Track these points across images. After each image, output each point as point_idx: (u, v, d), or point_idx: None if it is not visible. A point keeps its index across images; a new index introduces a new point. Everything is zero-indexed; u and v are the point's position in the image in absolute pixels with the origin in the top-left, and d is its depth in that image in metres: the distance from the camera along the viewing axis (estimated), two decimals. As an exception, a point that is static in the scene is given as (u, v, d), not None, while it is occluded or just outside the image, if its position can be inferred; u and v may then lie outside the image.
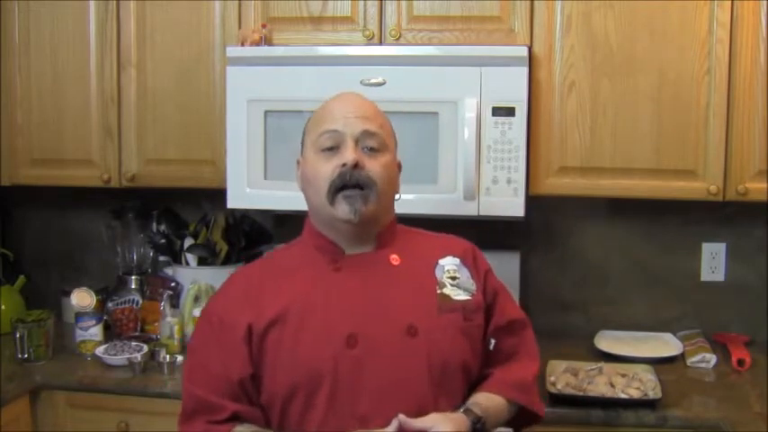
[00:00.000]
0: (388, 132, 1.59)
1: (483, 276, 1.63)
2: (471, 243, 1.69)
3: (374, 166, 1.51)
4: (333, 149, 1.51)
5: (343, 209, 1.49)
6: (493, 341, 1.61)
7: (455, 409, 1.50)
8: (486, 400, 1.53)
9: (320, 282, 1.53)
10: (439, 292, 1.55)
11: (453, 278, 1.58)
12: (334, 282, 1.53)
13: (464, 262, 1.61)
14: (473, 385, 1.58)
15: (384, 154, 1.54)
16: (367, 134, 1.52)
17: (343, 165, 1.49)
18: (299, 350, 1.47)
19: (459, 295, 1.56)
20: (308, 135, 1.58)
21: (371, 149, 1.52)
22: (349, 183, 1.48)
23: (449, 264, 1.59)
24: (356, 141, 1.51)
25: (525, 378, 1.62)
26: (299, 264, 1.58)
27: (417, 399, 1.46)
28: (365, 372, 1.46)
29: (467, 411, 1.48)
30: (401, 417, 1.40)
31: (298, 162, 1.63)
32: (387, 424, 1.42)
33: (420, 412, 1.44)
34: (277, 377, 1.48)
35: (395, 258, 1.57)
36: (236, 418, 1.50)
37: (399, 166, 1.63)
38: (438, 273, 1.58)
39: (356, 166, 1.48)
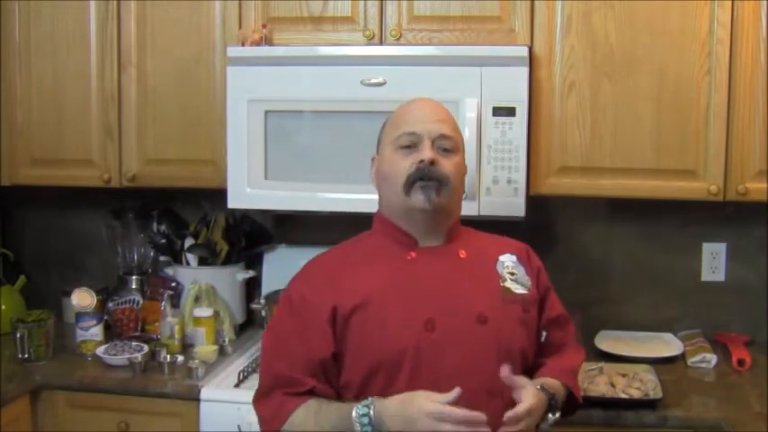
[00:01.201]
0: (460, 136, 1.72)
1: (536, 273, 1.76)
2: (525, 243, 1.81)
3: (448, 165, 1.63)
4: (410, 147, 1.64)
5: (418, 197, 1.61)
6: (544, 333, 1.75)
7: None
8: (551, 382, 1.65)
9: (398, 270, 1.64)
10: (502, 284, 1.68)
11: (512, 273, 1.71)
12: (411, 270, 1.64)
13: (520, 259, 1.74)
14: (527, 373, 1.66)
15: (456, 155, 1.67)
16: (443, 137, 1.65)
17: (421, 161, 1.61)
18: (384, 332, 1.57)
19: (518, 289, 1.69)
20: (385, 135, 1.71)
21: (445, 150, 1.65)
22: (426, 176, 1.60)
23: (508, 260, 1.73)
24: (432, 142, 1.63)
25: (575, 366, 1.78)
26: (375, 252, 1.68)
27: (487, 380, 1.56)
28: (443, 354, 1.56)
29: (542, 389, 1.59)
30: (506, 369, 1.51)
31: (373, 159, 1.75)
32: (461, 403, 1.48)
33: (490, 392, 1.56)
34: (361, 357, 1.58)
35: (462, 252, 1.69)
36: (312, 393, 1.58)
37: (466, 169, 1.74)
38: (499, 268, 1.71)
39: (432, 163, 1.61)
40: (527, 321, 1.68)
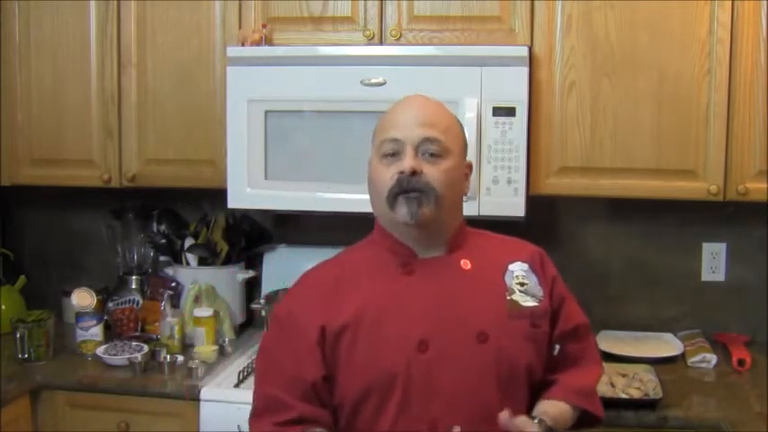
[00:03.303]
0: (454, 135, 1.59)
1: (551, 282, 1.64)
2: (539, 247, 1.70)
3: (433, 172, 1.52)
4: (394, 156, 1.54)
5: (401, 211, 1.52)
6: (558, 346, 1.63)
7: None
8: (554, 408, 1.56)
9: (393, 285, 1.55)
10: (508, 298, 1.57)
11: (522, 284, 1.59)
12: (407, 286, 1.55)
13: (532, 267, 1.63)
14: (537, 390, 1.59)
15: (446, 159, 1.54)
16: (427, 141, 1.53)
17: (401, 172, 1.51)
18: (374, 354, 1.49)
19: (528, 302, 1.58)
20: (374, 139, 1.62)
21: (432, 155, 1.53)
22: (407, 188, 1.51)
23: (518, 269, 1.61)
24: (416, 149, 1.53)
25: (590, 384, 1.66)
26: (371, 266, 1.60)
27: (485, 403, 1.49)
28: (436, 376, 1.48)
29: (540, 422, 1.49)
30: (505, 414, 1.42)
31: (369, 163, 1.64)
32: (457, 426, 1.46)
33: (487, 416, 1.47)
34: (351, 379, 1.50)
35: (465, 263, 1.59)
36: (302, 421, 1.50)
37: (470, 167, 1.64)
38: (507, 278, 1.59)
39: (414, 173, 1.50)
40: (536, 337, 1.57)
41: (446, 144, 1.55)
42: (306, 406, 1.50)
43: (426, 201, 1.51)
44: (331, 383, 1.52)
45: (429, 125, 1.55)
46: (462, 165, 1.61)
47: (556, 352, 1.63)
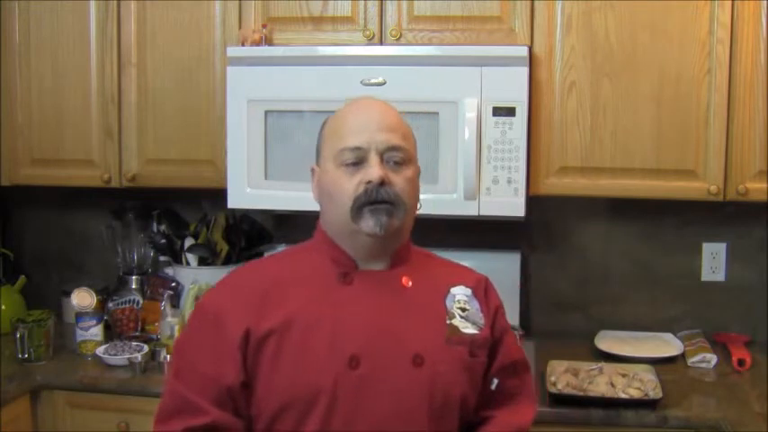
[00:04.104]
0: (411, 142, 1.52)
1: (494, 313, 1.56)
2: (484, 275, 1.62)
3: (400, 182, 1.45)
4: (356, 164, 1.45)
5: (368, 223, 1.43)
6: (496, 381, 1.55)
7: None
8: None
9: (329, 295, 1.46)
10: (448, 322, 1.49)
11: (463, 309, 1.52)
12: (344, 296, 1.46)
13: (475, 293, 1.55)
14: (469, 426, 1.52)
15: (409, 167, 1.48)
16: (393, 148, 1.46)
17: (369, 182, 1.43)
18: (299, 365, 1.40)
19: (468, 328, 1.50)
20: (325, 144, 1.51)
21: (396, 163, 1.46)
22: (376, 200, 1.43)
23: (460, 294, 1.53)
24: (381, 156, 1.45)
25: (526, 423, 1.57)
26: (308, 271, 1.51)
27: (415, 429, 1.41)
28: (365, 397, 1.39)
29: None
30: None
31: (313, 170, 1.56)
32: None
33: None
34: (271, 390, 1.40)
35: (406, 280, 1.51)
36: (215, 429, 1.41)
37: (418, 180, 1.57)
38: (449, 302, 1.51)
39: (383, 182, 1.43)
40: (473, 367, 1.49)
41: (408, 152, 1.49)
42: (220, 412, 1.40)
43: (396, 212, 1.44)
44: (249, 392, 1.42)
45: (392, 130, 1.46)
46: (418, 172, 1.54)
47: (494, 386, 1.54)
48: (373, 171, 1.43)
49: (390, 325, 1.45)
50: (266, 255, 2.70)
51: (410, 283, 1.50)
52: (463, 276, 1.58)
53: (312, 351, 1.40)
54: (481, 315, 1.53)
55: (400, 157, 1.46)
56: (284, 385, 1.39)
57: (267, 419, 1.41)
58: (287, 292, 1.47)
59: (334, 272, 1.49)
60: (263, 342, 1.41)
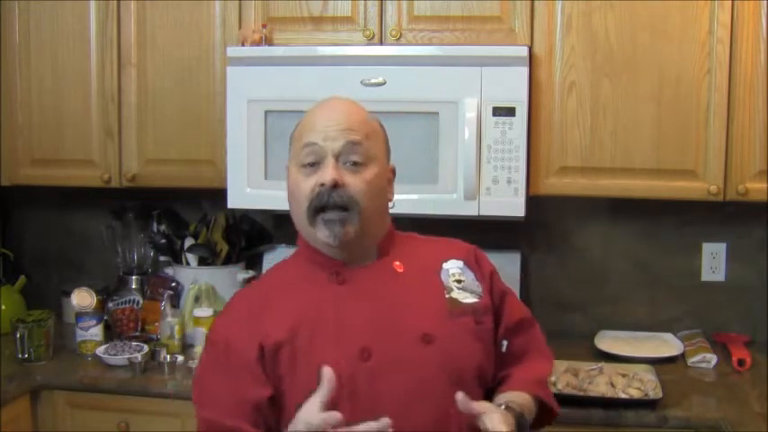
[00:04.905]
0: (378, 140, 1.51)
1: (489, 278, 1.58)
2: (472, 245, 1.63)
3: (356, 183, 1.44)
4: (314, 165, 1.46)
5: (323, 232, 1.45)
6: (505, 342, 1.57)
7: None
8: (518, 398, 1.48)
9: (325, 297, 1.48)
10: (447, 296, 1.51)
11: (459, 281, 1.53)
12: (341, 295, 1.48)
13: (467, 264, 1.57)
14: (490, 389, 1.54)
15: (369, 167, 1.47)
16: (349, 147, 1.45)
17: (322, 185, 1.43)
18: (315, 369, 1.40)
19: (467, 298, 1.52)
20: (292, 144, 1.53)
21: (354, 164, 1.45)
22: (328, 204, 1.43)
23: (453, 267, 1.55)
24: (337, 157, 1.44)
25: (543, 375, 1.60)
26: (300, 280, 1.52)
27: (438, 406, 1.42)
28: (383, 384, 1.41)
29: (508, 408, 1.42)
30: (460, 395, 1.35)
31: (287, 170, 1.55)
32: None
33: (442, 419, 1.42)
34: (294, 400, 1.41)
35: (398, 265, 1.52)
36: None
37: (393, 172, 1.57)
38: (443, 277, 1.53)
39: (335, 185, 1.42)
40: (481, 334, 1.51)
41: (369, 150, 1.47)
42: (251, 428, 1.42)
43: (350, 219, 1.44)
44: (277, 404, 1.44)
45: (351, 130, 1.46)
46: (386, 171, 1.53)
47: (504, 348, 1.57)
48: (326, 173, 1.43)
49: (392, 311, 1.47)
50: (266, 255, 2.72)
51: (402, 268, 1.52)
52: (452, 250, 1.59)
53: (323, 353, 1.42)
54: (478, 283, 1.55)
55: (359, 156, 1.46)
56: (306, 390, 1.39)
57: None
58: (284, 304, 1.49)
59: (324, 274, 1.50)
60: (277, 354, 1.43)
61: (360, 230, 1.46)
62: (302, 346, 1.43)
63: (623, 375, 2.12)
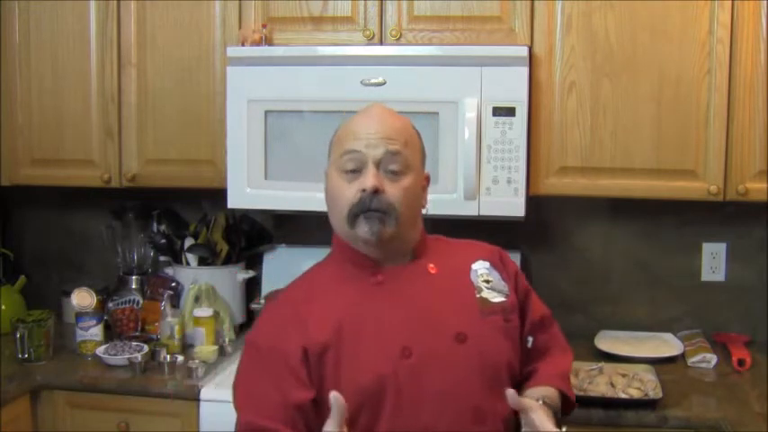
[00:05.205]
0: (415, 149, 1.58)
1: (514, 277, 1.66)
2: (497, 246, 1.70)
3: (395, 191, 1.51)
4: (355, 172, 1.52)
5: (362, 229, 1.51)
6: (531, 339, 1.65)
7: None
8: (548, 392, 1.57)
9: (366, 296, 1.54)
10: (478, 296, 1.58)
11: (487, 281, 1.61)
12: (379, 295, 1.54)
13: (493, 264, 1.64)
14: (517, 384, 1.59)
15: (407, 175, 1.53)
16: (389, 156, 1.51)
17: (363, 190, 1.50)
18: (359, 367, 1.47)
19: (496, 297, 1.59)
20: (332, 150, 1.59)
21: (393, 173, 1.52)
22: (369, 208, 1.50)
23: (481, 268, 1.62)
24: (378, 164, 1.51)
25: (566, 369, 1.69)
26: (339, 281, 1.58)
27: (474, 402, 1.49)
28: (423, 380, 1.47)
29: (544, 404, 1.50)
30: (511, 392, 1.43)
31: (326, 174, 1.61)
32: (449, 429, 1.46)
33: (478, 414, 1.49)
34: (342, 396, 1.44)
35: (432, 267, 1.59)
36: None
37: (428, 179, 1.64)
38: (473, 277, 1.60)
39: (376, 191, 1.49)
40: (509, 331, 1.59)
41: (407, 159, 1.53)
42: (289, 429, 1.45)
43: (388, 220, 1.50)
44: (320, 405, 1.46)
45: (391, 138, 1.52)
46: (421, 178, 1.60)
47: (529, 344, 1.64)
48: (368, 180, 1.49)
49: (428, 311, 1.53)
50: (266, 255, 2.72)
51: (435, 270, 1.59)
52: (479, 251, 1.67)
53: (366, 352, 1.48)
54: (504, 283, 1.62)
55: (397, 165, 1.52)
56: (351, 390, 1.43)
57: (347, 423, 1.44)
58: (325, 305, 1.54)
59: (362, 275, 1.57)
60: (323, 356, 1.48)
61: (396, 233, 1.53)
62: (347, 347, 1.48)
63: (623, 375, 2.13)
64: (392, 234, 1.52)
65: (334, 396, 1.34)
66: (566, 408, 1.64)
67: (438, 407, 1.47)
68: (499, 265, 1.65)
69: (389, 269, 1.57)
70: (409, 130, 1.59)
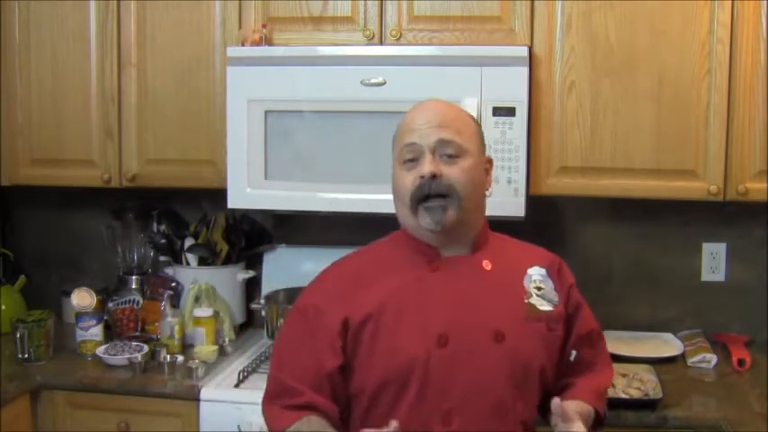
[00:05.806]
0: (470, 135, 1.61)
1: (567, 290, 1.68)
2: (558, 256, 1.73)
3: (453, 173, 1.55)
4: (413, 161, 1.57)
5: (425, 220, 1.56)
6: (574, 352, 1.68)
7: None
8: (580, 407, 1.59)
9: (416, 280, 1.58)
10: (526, 301, 1.61)
11: (539, 288, 1.63)
12: (430, 281, 1.58)
13: (549, 273, 1.66)
14: (550, 393, 1.60)
15: (464, 158, 1.57)
16: (442, 143, 1.56)
17: (422, 177, 1.54)
18: (394, 345, 1.52)
19: (544, 306, 1.62)
20: (394, 147, 1.64)
21: (450, 156, 1.56)
22: (430, 193, 1.54)
23: (536, 274, 1.65)
24: (433, 151, 1.56)
25: (604, 386, 1.73)
26: (394, 261, 1.63)
27: (498, 400, 1.53)
28: (453, 371, 1.51)
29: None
30: (557, 400, 1.45)
31: (393, 171, 1.66)
32: (468, 421, 1.50)
33: (498, 413, 1.53)
34: (371, 370, 1.54)
35: (487, 263, 1.62)
36: (311, 407, 1.54)
37: (490, 162, 1.69)
38: (526, 282, 1.63)
39: (434, 176, 1.53)
40: (550, 340, 1.62)
41: (462, 144, 1.58)
42: (316, 395, 1.53)
43: (451, 205, 1.55)
44: (347, 372, 1.55)
45: (443, 127, 1.57)
46: (482, 162, 1.64)
47: (572, 358, 1.67)
48: (425, 166, 1.55)
49: (473, 305, 1.57)
50: (266, 255, 2.72)
51: (490, 266, 1.62)
52: (538, 257, 1.70)
53: (404, 332, 1.53)
54: (555, 293, 1.64)
55: (452, 150, 1.56)
56: (382, 365, 1.52)
57: (368, 397, 1.54)
58: (376, 281, 1.59)
59: (417, 260, 1.61)
60: (362, 327, 1.54)
61: (459, 216, 1.56)
62: (387, 322, 1.54)
63: (623, 375, 2.13)
64: (455, 219, 1.56)
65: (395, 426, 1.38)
66: (594, 424, 1.66)
67: (462, 398, 1.50)
68: (555, 274, 1.67)
69: (446, 258, 1.61)
70: (464, 119, 1.63)
